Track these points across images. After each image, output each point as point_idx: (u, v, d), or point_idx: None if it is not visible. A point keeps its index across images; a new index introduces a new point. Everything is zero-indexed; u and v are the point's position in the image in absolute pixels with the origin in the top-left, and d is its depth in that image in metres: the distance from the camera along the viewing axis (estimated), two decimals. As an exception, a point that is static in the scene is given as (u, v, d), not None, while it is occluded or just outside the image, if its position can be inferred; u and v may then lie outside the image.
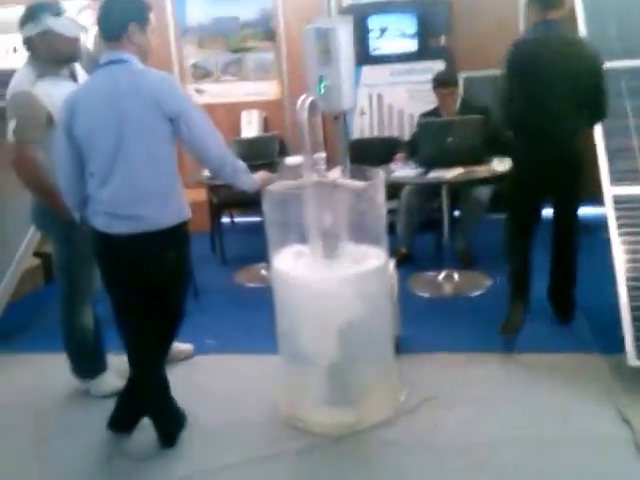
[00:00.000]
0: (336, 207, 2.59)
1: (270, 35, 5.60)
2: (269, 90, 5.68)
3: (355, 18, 3.25)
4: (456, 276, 4.15)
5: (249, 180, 2.50)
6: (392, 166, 4.18)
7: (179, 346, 3.21)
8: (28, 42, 2.77)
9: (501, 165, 3.95)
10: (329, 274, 2.59)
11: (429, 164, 4.02)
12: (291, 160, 4.68)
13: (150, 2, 2.39)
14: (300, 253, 2.67)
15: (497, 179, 4.01)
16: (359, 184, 2.54)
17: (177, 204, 2.38)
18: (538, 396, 2.77)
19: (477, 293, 3.97)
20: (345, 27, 2.62)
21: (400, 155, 4.30)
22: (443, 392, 2.84)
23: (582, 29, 4.00)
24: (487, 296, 3.92)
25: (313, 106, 2.50)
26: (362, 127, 5.39)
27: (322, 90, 2.67)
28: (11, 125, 2.68)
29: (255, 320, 3.63)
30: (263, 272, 4.50)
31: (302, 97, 2.48)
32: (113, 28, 2.29)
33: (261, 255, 4.63)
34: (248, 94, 5.68)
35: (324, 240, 2.60)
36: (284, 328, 2.73)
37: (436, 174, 3.90)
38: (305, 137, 2.46)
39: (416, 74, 5.24)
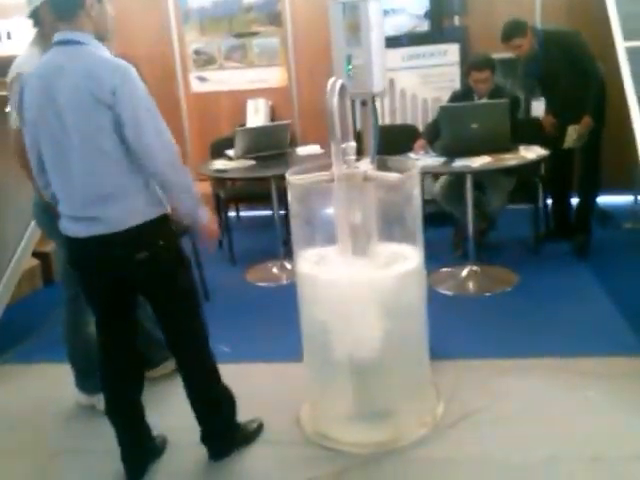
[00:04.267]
0: (368, 202, 2.32)
1: (276, 18, 5.32)
2: (275, 77, 5.41)
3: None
4: (480, 272, 3.90)
5: (196, 210, 2.15)
6: (412, 155, 3.93)
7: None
8: (34, 15, 2.41)
9: (529, 152, 3.70)
10: (361, 276, 2.34)
11: (451, 152, 3.78)
12: (303, 150, 4.43)
13: None
14: (328, 253, 2.41)
15: (524, 168, 3.77)
16: (394, 176, 2.27)
17: (142, 202, 2.07)
18: (588, 408, 2.53)
19: (504, 290, 3.73)
20: (375, 0, 2.35)
21: (420, 143, 4.04)
22: (483, 405, 2.59)
23: (611, 8, 3.75)
24: (515, 294, 3.68)
25: (342, 90, 2.23)
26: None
27: (350, 71, 2.41)
28: (13, 112, 2.38)
29: (271, 324, 3.42)
30: (275, 270, 4.26)
31: (331, 80, 2.22)
32: (67, 3, 1.99)
33: (271, 251, 4.45)
34: (253, 81, 5.41)
35: (354, 239, 2.34)
36: (311, 335, 2.48)
37: (462, 163, 3.64)
38: (335, 124, 2.19)
39: (429, 57, 5.01)
